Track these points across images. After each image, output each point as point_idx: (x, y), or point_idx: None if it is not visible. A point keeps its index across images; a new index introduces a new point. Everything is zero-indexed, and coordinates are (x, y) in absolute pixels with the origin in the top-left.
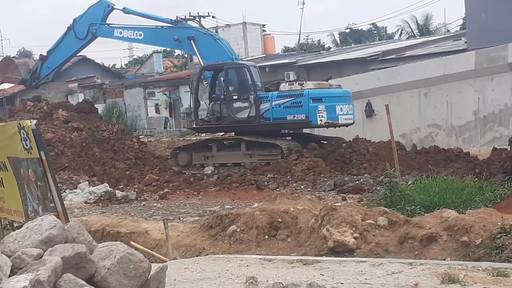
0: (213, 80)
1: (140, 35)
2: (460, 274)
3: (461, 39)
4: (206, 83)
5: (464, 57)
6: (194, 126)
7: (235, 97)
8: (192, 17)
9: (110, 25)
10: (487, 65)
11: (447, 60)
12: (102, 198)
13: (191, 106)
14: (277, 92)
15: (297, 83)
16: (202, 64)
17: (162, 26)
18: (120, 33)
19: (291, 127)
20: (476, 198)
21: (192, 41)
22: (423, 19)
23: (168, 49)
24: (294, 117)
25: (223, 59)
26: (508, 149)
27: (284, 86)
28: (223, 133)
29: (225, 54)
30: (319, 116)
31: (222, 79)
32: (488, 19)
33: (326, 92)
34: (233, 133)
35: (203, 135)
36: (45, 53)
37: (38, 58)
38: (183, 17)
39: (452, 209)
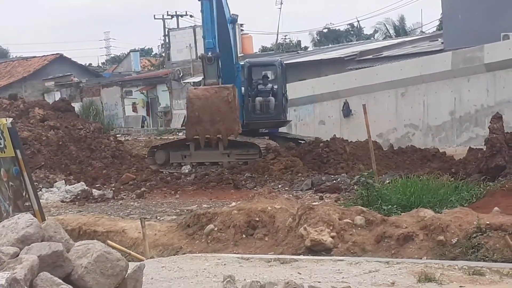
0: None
1: None
2: (437, 272)
3: (437, 40)
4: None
5: (440, 57)
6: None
7: None
8: (170, 17)
9: None
10: (463, 66)
11: (424, 61)
12: (78, 197)
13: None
14: None
15: None
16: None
17: None
18: None
19: None
20: (452, 197)
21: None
22: (399, 20)
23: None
24: None
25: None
26: (484, 149)
27: None
28: None
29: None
30: None
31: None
32: (465, 20)
33: None
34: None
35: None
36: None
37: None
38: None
39: (429, 208)
